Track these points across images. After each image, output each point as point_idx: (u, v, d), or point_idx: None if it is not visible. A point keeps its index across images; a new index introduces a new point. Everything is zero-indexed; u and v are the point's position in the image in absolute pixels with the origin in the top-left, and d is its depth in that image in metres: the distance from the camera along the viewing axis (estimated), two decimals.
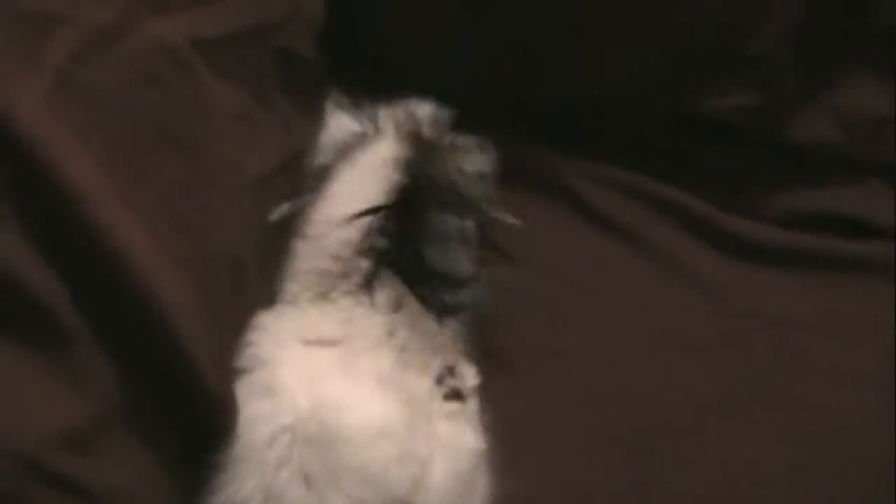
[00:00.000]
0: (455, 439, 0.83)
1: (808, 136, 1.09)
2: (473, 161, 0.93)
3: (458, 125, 0.95)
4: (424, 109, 0.94)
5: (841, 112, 1.08)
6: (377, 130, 0.93)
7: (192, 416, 0.74)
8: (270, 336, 0.82)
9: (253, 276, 0.82)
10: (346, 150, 0.92)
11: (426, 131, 0.93)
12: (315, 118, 0.94)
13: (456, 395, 0.86)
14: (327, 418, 0.77)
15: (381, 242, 0.87)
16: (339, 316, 0.86)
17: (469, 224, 0.89)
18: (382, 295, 0.86)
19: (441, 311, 0.87)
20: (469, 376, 0.88)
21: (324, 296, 0.87)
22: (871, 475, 0.89)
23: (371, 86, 0.97)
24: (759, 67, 1.05)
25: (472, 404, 0.86)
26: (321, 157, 0.93)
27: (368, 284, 0.86)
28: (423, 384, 0.85)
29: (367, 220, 0.87)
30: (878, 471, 0.89)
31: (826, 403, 0.94)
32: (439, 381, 0.86)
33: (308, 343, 0.84)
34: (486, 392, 0.87)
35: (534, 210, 1.04)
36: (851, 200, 1.08)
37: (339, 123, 0.96)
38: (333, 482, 0.76)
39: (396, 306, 0.86)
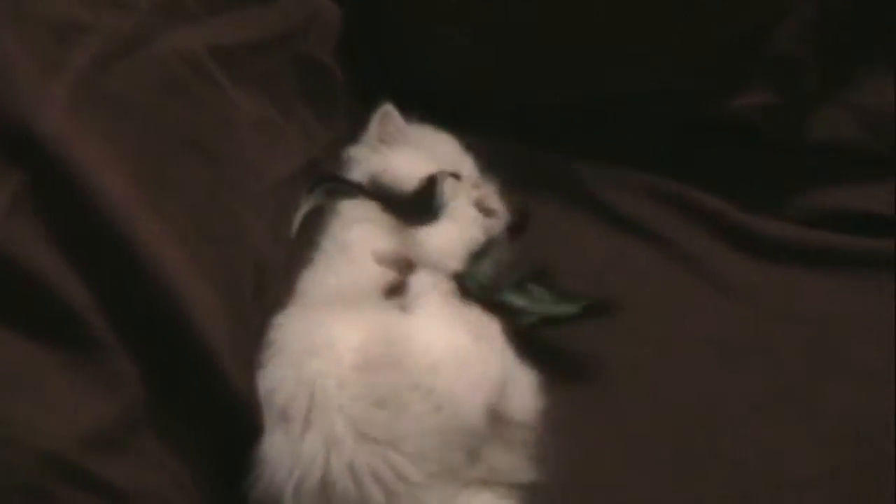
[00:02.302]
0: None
1: (829, 134, 1.08)
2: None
3: (478, 129, 0.96)
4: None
5: (861, 109, 1.07)
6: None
7: (217, 418, 0.74)
8: (292, 334, 0.82)
9: (274, 278, 0.83)
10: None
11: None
12: (334, 123, 0.95)
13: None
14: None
15: None
16: None
17: None
18: None
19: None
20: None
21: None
22: None
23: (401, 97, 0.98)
24: (778, 66, 1.05)
25: None
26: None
27: None
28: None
29: None
30: None
31: (859, 403, 0.92)
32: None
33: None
34: None
35: (556, 216, 1.04)
36: (876, 198, 1.07)
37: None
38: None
39: None
